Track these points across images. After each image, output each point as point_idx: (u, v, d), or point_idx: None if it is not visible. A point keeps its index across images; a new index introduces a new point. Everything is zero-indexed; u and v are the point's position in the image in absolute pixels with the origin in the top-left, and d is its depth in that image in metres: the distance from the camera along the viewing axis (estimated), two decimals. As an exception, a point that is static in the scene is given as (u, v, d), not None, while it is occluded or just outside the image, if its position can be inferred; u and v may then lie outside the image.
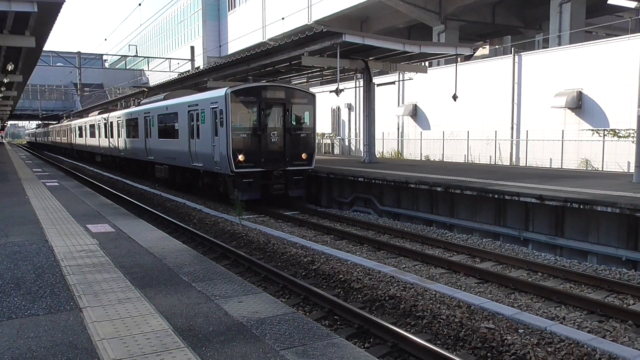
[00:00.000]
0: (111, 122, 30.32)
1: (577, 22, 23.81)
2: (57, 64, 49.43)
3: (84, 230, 9.06)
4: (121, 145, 28.36)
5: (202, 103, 17.03)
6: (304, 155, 16.53)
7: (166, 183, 22.34)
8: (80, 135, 41.50)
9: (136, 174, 27.30)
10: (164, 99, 22.17)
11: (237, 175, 15.36)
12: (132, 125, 25.99)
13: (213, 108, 16.09)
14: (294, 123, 16.41)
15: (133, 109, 26.70)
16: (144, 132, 23.68)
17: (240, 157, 15.28)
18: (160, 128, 21.58)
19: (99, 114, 35.46)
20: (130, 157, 27.20)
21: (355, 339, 6.40)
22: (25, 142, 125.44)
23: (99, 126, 33.95)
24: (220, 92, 15.79)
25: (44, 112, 76.21)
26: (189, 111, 18.10)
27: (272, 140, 15.97)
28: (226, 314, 4.94)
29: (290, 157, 16.25)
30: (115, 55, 68.15)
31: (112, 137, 30.28)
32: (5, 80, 24.52)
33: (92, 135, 36.02)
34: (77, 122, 43.74)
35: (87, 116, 40.86)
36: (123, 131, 27.66)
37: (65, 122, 53.93)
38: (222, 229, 12.97)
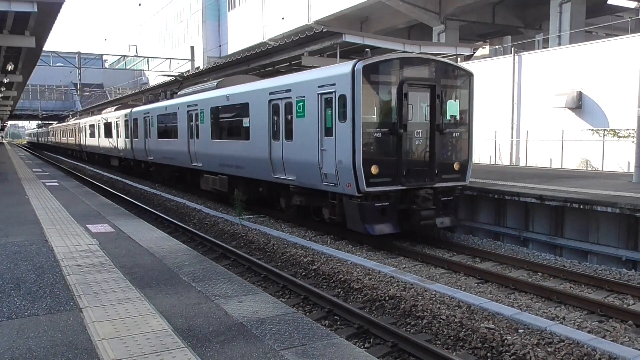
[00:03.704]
0: (135, 119, 24.97)
1: (577, 22, 23.80)
2: (57, 64, 49.41)
3: (84, 230, 9.06)
4: (150, 147, 22.96)
5: (300, 88, 11.90)
6: (456, 166, 11.44)
7: (218, 197, 17.53)
8: (92, 135, 35.33)
9: (170, 183, 22.43)
10: (217, 87, 17.02)
11: (366, 196, 10.39)
12: (167, 122, 20.80)
13: (324, 94, 11.02)
14: (446, 117, 11.36)
15: (168, 102, 21.12)
16: (186, 132, 18.47)
17: (373, 169, 10.22)
18: (216, 126, 16.55)
19: (117, 109, 30.39)
20: (163, 163, 21.90)
21: (355, 339, 6.40)
22: (26, 142, 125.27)
23: (117, 124, 28.34)
24: (341, 68, 10.77)
25: (43, 112, 76.22)
26: (271, 101, 13.05)
27: (417, 142, 10.92)
28: (226, 314, 4.94)
29: (440, 169, 11.13)
30: (115, 55, 68.18)
31: (136, 137, 24.93)
32: (5, 80, 24.53)
33: (108, 134, 30.44)
34: (88, 120, 37.62)
35: (101, 113, 35.00)
36: (152, 130, 22.44)
37: (72, 121, 48.32)
38: (222, 229, 12.97)
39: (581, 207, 10.50)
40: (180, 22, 63.08)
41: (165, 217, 14.34)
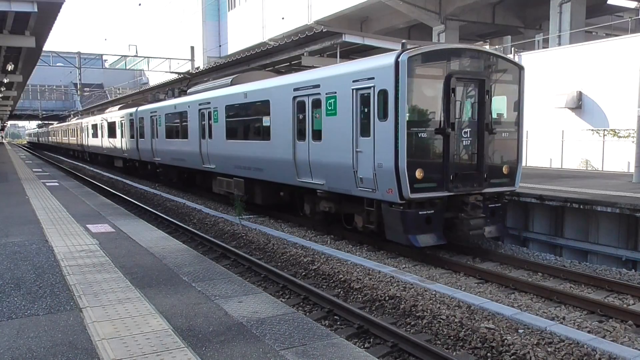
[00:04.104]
0: (141, 118, 23.89)
1: (577, 22, 23.81)
2: (57, 64, 49.38)
3: (84, 230, 9.06)
4: (157, 147, 21.92)
5: (331, 83, 10.82)
6: (505, 169, 10.48)
7: (226, 200, 16.34)
8: (95, 135, 34.16)
9: (178, 185, 21.65)
10: (232, 83, 15.96)
11: (409, 204, 9.43)
12: (176, 121, 19.71)
13: (360, 90, 9.98)
14: (495, 115, 10.38)
15: (177, 100, 20.06)
16: (198, 131, 17.41)
17: (418, 174, 9.23)
18: (232, 125, 15.39)
19: (121, 108, 29.44)
20: (171, 165, 20.83)
21: (355, 339, 6.40)
22: (26, 142, 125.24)
23: (121, 124, 27.32)
24: (382, 59, 9.76)
25: (43, 112, 76.29)
26: (295, 98, 11.96)
27: (464, 143, 9.91)
28: (226, 314, 4.94)
29: (489, 173, 10.18)
30: (115, 55, 68.21)
31: (142, 137, 23.87)
32: (5, 80, 24.56)
33: (112, 134, 29.40)
34: (90, 120, 36.42)
35: (104, 112, 34.01)
36: (160, 130, 21.36)
37: (74, 120, 47.00)
38: (222, 229, 12.97)
39: (581, 207, 10.51)
40: (180, 22, 63.09)
41: (165, 217, 14.34)
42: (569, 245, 10.97)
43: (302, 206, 13.00)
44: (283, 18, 40.60)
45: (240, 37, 49.78)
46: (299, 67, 21.65)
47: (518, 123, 10.84)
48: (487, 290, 8.35)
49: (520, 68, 10.82)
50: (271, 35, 43.46)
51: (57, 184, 17.51)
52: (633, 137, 15.97)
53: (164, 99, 22.98)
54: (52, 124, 70.89)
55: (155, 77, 55.68)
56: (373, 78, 9.68)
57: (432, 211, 9.59)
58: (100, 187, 21.36)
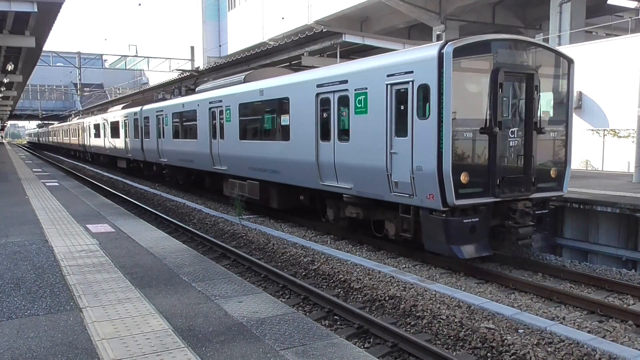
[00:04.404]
0: (146, 118, 23.15)
1: (577, 22, 23.80)
2: (57, 64, 49.48)
3: (84, 230, 9.06)
4: (163, 148, 21.15)
5: (360, 78, 10.00)
6: (553, 172, 9.66)
7: (249, 204, 14.91)
8: (98, 135, 33.41)
9: (179, 185, 21.39)
10: (245, 80, 15.14)
11: (452, 211, 8.64)
12: (183, 121, 18.89)
13: (396, 85, 9.15)
14: (542, 113, 9.42)
15: (185, 98, 19.21)
16: (208, 131, 16.57)
17: (463, 177, 8.45)
18: (246, 124, 14.56)
19: (125, 107, 28.70)
20: (178, 166, 20.10)
21: (355, 339, 6.40)
22: (26, 142, 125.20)
23: (125, 124, 26.59)
24: (422, 51, 8.89)
25: (43, 112, 76.35)
26: (319, 95, 11.13)
27: (511, 144, 9.06)
28: (226, 314, 4.94)
29: (537, 176, 9.30)
30: (115, 55, 68.27)
31: (147, 137, 23.18)
32: (5, 80, 24.57)
33: (115, 134, 28.73)
34: (92, 119, 35.61)
35: (107, 111, 33.24)
36: (167, 129, 20.65)
37: (75, 120, 46.28)
38: (222, 229, 12.97)
39: (581, 207, 10.51)
40: (180, 22, 63.10)
41: (165, 217, 14.34)
42: (568, 245, 10.98)
43: (324, 211, 12.15)
44: (283, 18, 40.60)
45: (240, 37, 49.77)
46: (299, 67, 21.66)
47: (567, 121, 9.83)
48: (487, 290, 8.35)
49: (570, 61, 9.81)
50: (271, 35, 43.46)
51: (57, 183, 17.51)
52: (633, 137, 15.97)
53: (170, 98, 22.23)
54: (52, 123, 70.78)
55: (156, 77, 55.67)
56: (412, 72, 8.80)
57: (477, 219, 8.72)
58: (100, 187, 21.38)
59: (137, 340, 4.30)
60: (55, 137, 60.34)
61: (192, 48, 47.80)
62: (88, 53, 56.53)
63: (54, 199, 13.22)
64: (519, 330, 6.37)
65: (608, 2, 22.14)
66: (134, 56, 56.75)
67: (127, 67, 70.28)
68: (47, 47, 22.05)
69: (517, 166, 9.10)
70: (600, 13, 29.76)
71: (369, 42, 17.77)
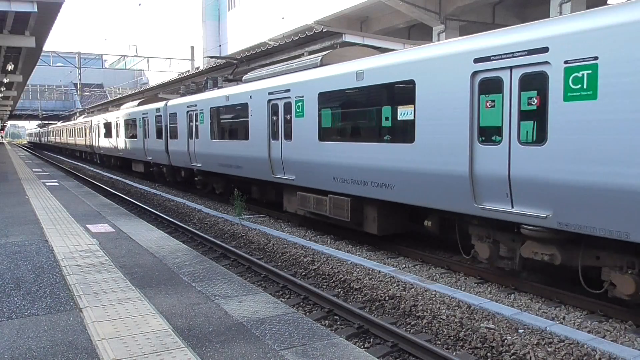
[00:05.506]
0: (172, 115, 19.74)
1: (577, 22, 23.81)
2: (57, 64, 49.52)
3: (84, 230, 9.07)
4: (197, 150, 17.71)
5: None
6: None
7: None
8: (108, 135, 29.73)
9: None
10: (322, 63, 11.90)
11: None
12: (227, 117, 15.70)
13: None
14: None
15: (230, 90, 15.59)
16: (266, 130, 13.28)
17: None
18: (332, 121, 11.06)
19: (141, 103, 25.69)
20: (217, 172, 16.75)
21: (355, 339, 6.40)
22: (26, 142, 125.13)
23: (143, 122, 23.22)
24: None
25: (43, 112, 76.41)
26: (476, 73, 7.67)
27: None
28: (226, 314, 4.94)
29: None
30: (115, 55, 68.29)
31: (173, 137, 19.78)
32: (5, 80, 24.57)
33: (130, 134, 25.48)
34: (102, 118, 32.11)
35: (120, 108, 29.97)
36: (202, 128, 17.16)
37: (81, 119, 43.32)
38: (222, 229, 12.97)
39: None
40: (180, 22, 63.08)
41: (165, 217, 14.34)
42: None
43: (472, 245, 8.65)
44: (283, 18, 40.62)
45: (240, 37, 49.80)
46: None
47: None
48: (487, 290, 8.35)
49: None
50: (271, 35, 43.48)
51: (57, 183, 17.52)
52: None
53: (204, 91, 18.54)
54: (52, 123, 70.67)
55: (156, 77, 55.70)
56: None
57: None
58: (100, 187, 21.39)
59: (137, 340, 4.30)
60: (58, 137, 57.12)
61: (192, 48, 47.85)
62: (88, 53, 56.62)
63: (54, 199, 13.22)
64: (519, 330, 6.37)
65: (608, 2, 22.16)
66: (134, 56, 56.78)
67: (127, 67, 70.33)
68: (47, 47, 22.07)
69: None
70: (600, 13, 29.75)
71: (369, 42, 17.77)
